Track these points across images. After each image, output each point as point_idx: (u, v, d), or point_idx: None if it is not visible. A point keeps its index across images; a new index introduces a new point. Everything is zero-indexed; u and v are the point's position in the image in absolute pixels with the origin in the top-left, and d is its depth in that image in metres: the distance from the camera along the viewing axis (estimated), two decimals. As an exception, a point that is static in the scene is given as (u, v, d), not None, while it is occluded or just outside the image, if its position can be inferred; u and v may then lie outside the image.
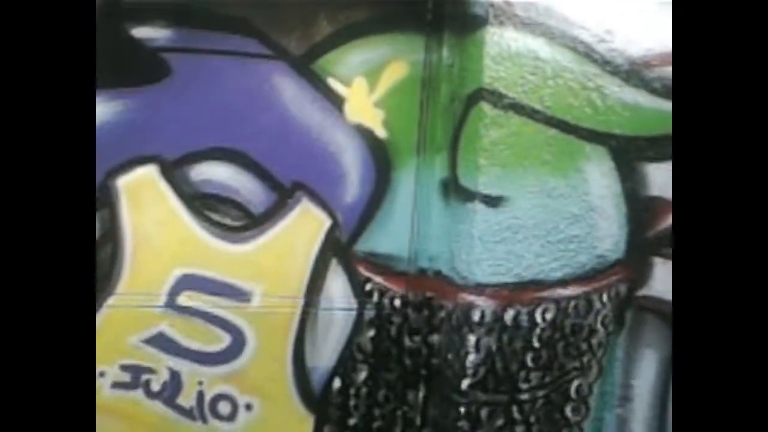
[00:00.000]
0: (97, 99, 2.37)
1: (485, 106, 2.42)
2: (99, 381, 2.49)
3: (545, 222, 2.49)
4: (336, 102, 2.57)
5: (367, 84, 2.60)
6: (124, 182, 2.47)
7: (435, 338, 2.68)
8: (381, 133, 2.62)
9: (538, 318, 2.55)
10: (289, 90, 2.57)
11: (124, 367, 2.53)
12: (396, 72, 2.62)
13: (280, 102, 2.57)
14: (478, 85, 2.42)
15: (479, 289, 2.48)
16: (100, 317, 2.46)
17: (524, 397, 2.57)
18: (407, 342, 2.72)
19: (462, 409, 2.55)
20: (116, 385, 2.52)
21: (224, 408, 2.62)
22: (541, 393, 2.59)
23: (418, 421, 2.72)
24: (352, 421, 2.71)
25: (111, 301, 2.48)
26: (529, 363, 2.56)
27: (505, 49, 2.42)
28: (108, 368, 2.51)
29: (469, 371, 2.55)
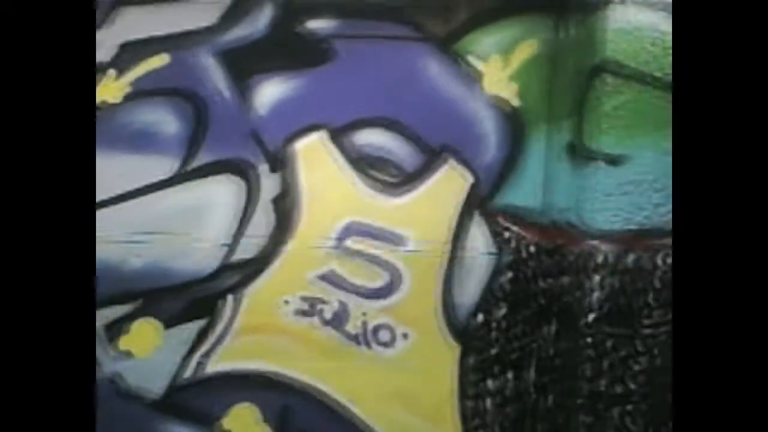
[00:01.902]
0: (277, 79, 2.87)
1: (607, 77, 2.63)
2: (283, 308, 2.96)
3: (663, 177, 2.66)
4: (475, 77, 2.91)
5: (502, 60, 2.91)
6: (299, 146, 2.91)
7: (564, 279, 2.92)
8: (515, 102, 2.92)
9: (659, 262, 2.71)
10: (434, 67, 2.93)
11: (303, 298, 2.96)
12: (527, 49, 2.92)
13: (427, 78, 2.93)
14: (602, 57, 2.64)
15: (603, 235, 2.69)
16: (284, 257, 2.93)
17: (647, 332, 2.73)
18: (540, 283, 2.99)
19: (589, 340, 2.79)
20: (296, 312, 2.97)
21: (384, 336, 3.00)
22: (663, 329, 2.73)
23: (550, 351, 2.98)
24: (492, 351, 3.02)
25: (291, 244, 2.93)
26: (651, 302, 2.72)
27: (627, 24, 2.62)
28: (290, 298, 2.96)
29: (595, 307, 2.79)
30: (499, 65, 2.89)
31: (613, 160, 2.66)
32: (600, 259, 2.76)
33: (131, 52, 2.79)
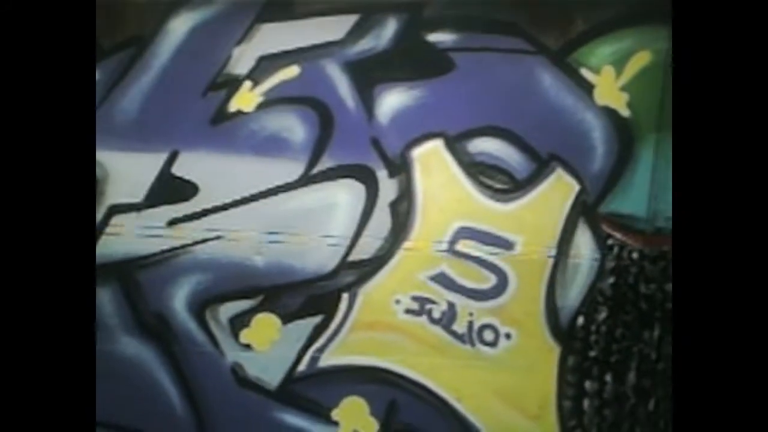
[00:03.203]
0: (398, 89, 3.01)
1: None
2: (395, 307, 3.10)
3: None
4: (587, 88, 2.99)
5: (615, 71, 2.98)
6: (417, 153, 3.04)
7: (668, 286, 3.03)
8: (625, 113, 2.98)
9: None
10: (547, 79, 3.01)
11: (414, 298, 3.10)
12: (640, 60, 2.98)
13: (540, 89, 3.02)
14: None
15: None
16: (399, 257, 3.07)
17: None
18: (643, 289, 3.07)
19: None
20: (407, 311, 3.11)
21: (488, 336, 3.12)
22: None
23: (653, 356, 3.07)
24: (592, 354, 3.11)
25: (406, 245, 3.06)
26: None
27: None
28: (402, 297, 3.10)
29: None
30: (611, 76, 2.94)
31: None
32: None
33: (266, 64, 2.95)
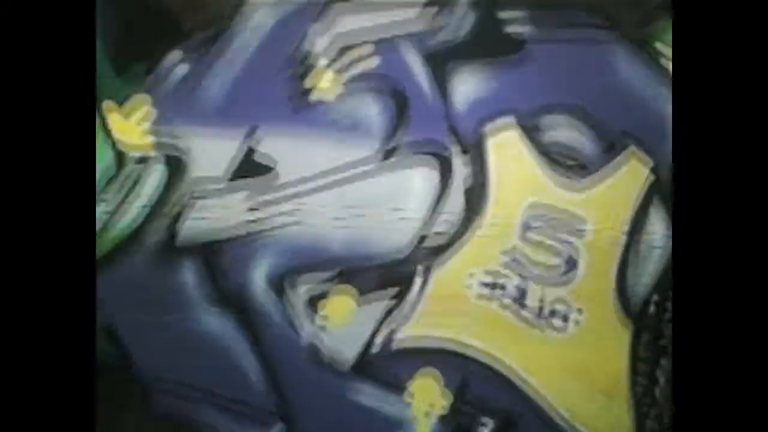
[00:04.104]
0: (471, 74, 3.09)
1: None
2: (468, 284, 3.18)
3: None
4: (662, 65, 3.05)
5: None
6: (490, 135, 3.12)
7: None
8: None
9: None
10: (621, 58, 3.06)
11: (488, 274, 3.18)
12: None
13: (613, 68, 3.07)
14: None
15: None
16: (472, 237, 3.14)
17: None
18: None
19: None
20: (481, 287, 3.18)
21: (560, 313, 3.17)
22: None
23: None
24: (665, 331, 3.17)
25: (479, 224, 3.15)
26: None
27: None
28: (475, 275, 3.18)
29: None
30: None
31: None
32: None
33: (344, 49, 3.06)
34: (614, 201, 3.11)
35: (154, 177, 3.09)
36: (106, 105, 2.96)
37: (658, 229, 3.12)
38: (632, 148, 3.08)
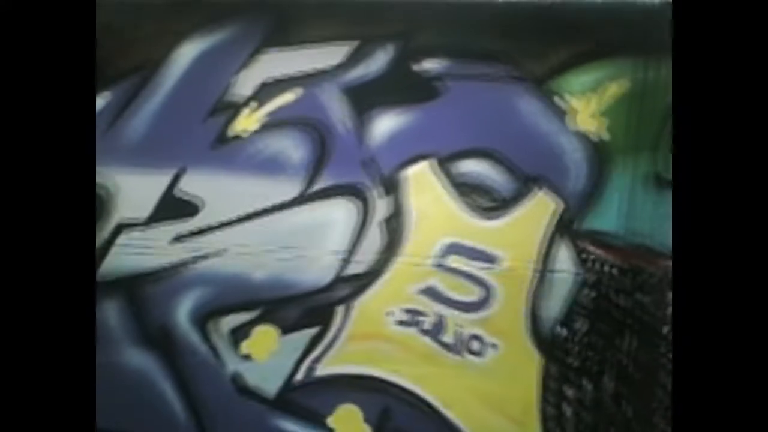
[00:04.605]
0: (391, 112, 3.18)
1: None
2: (387, 318, 3.27)
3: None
4: (567, 113, 3.18)
5: (592, 98, 3.17)
6: (407, 173, 3.20)
7: (641, 297, 3.19)
8: (603, 136, 3.12)
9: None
10: (530, 104, 3.18)
11: (406, 310, 3.27)
12: (615, 88, 3.16)
13: (524, 113, 3.19)
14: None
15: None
16: (391, 271, 3.23)
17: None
18: (619, 300, 3.24)
19: (664, 351, 3.08)
20: (399, 322, 3.27)
21: (476, 345, 3.28)
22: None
23: (627, 363, 3.23)
24: (572, 362, 3.27)
25: (398, 259, 3.23)
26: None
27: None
28: (394, 309, 3.26)
29: (669, 320, 3.07)
30: (589, 103, 3.12)
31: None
32: (675, 278, 3.01)
33: (266, 89, 3.15)
34: (525, 237, 3.24)
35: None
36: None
37: (564, 263, 3.26)
38: (542, 189, 3.23)
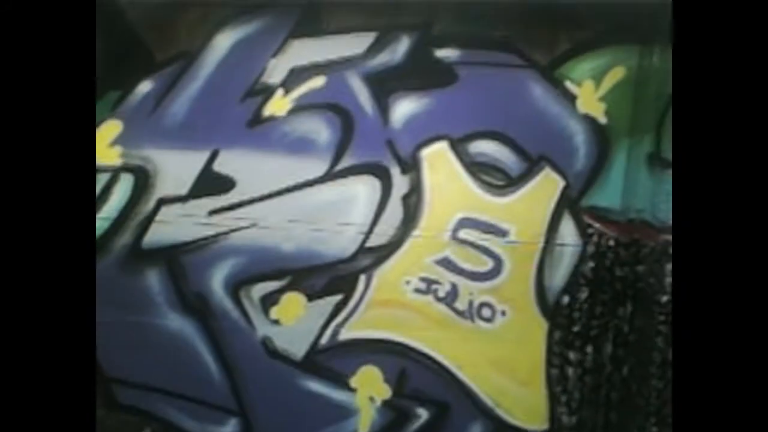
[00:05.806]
0: (410, 97, 3.37)
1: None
2: (405, 287, 3.45)
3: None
4: (570, 98, 3.30)
5: (594, 85, 3.29)
6: (425, 153, 3.35)
7: (640, 268, 3.37)
8: (603, 120, 3.28)
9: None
10: (537, 90, 3.37)
11: (422, 279, 3.45)
12: (616, 75, 3.34)
13: (531, 98, 3.37)
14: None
15: (675, 231, 3.07)
16: (409, 244, 3.43)
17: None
18: (618, 271, 3.40)
19: (661, 318, 3.30)
20: (416, 291, 3.46)
21: (486, 312, 3.39)
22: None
23: (626, 329, 3.37)
24: (575, 328, 3.40)
25: (416, 232, 3.42)
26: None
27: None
28: (411, 278, 3.44)
29: (667, 290, 3.28)
30: (591, 88, 3.27)
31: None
32: (671, 250, 3.25)
33: (297, 74, 3.35)
34: (532, 212, 3.40)
35: (122, 190, 3.38)
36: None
37: (567, 236, 3.44)
38: (547, 168, 3.40)
